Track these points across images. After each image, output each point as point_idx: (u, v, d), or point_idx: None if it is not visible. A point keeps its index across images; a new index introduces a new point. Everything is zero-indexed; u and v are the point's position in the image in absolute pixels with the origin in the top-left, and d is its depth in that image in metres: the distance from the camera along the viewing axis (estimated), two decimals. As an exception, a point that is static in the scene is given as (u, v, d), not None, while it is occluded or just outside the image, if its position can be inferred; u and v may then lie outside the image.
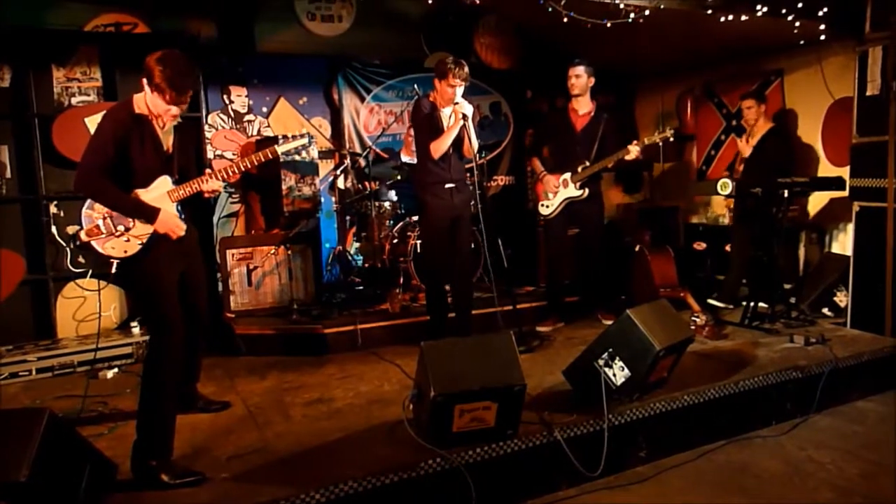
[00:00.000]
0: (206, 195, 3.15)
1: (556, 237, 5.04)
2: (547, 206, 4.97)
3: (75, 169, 2.80)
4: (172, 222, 2.91)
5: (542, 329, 4.95)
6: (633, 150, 4.61)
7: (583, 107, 4.89)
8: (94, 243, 2.88)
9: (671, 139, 4.65)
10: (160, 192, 2.96)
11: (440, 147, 4.18)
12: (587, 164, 4.77)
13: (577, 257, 5.10)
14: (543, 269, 5.80)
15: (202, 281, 3.31)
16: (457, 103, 4.09)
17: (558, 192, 4.89)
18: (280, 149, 3.31)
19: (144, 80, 2.78)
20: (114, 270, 2.93)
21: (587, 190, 4.82)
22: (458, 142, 4.27)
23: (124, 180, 2.87)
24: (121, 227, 2.88)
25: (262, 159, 3.23)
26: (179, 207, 3.02)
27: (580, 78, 4.79)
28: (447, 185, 4.25)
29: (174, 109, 2.84)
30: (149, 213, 2.87)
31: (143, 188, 2.92)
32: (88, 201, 2.91)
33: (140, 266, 2.90)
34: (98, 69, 4.79)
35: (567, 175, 4.85)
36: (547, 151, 5.25)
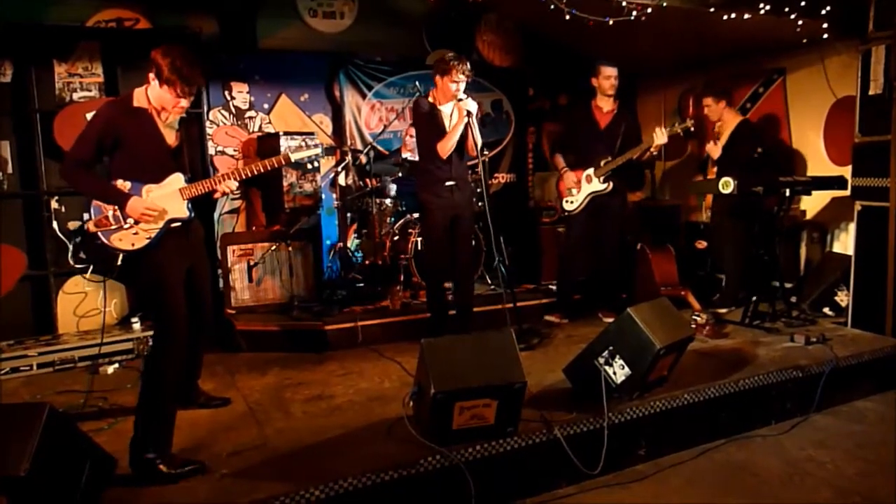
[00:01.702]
0: (218, 195, 3.15)
1: (577, 233, 5.04)
2: (572, 202, 4.98)
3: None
4: (140, 207, 2.86)
5: (550, 318, 5.03)
6: (660, 135, 4.57)
7: (607, 105, 4.92)
8: (101, 235, 2.88)
9: (692, 129, 4.71)
10: (172, 189, 2.96)
11: (447, 147, 4.18)
12: (609, 158, 4.80)
13: (594, 252, 5.07)
14: (545, 267, 5.80)
15: (206, 278, 3.31)
16: (460, 100, 4.08)
17: (582, 188, 4.91)
18: (293, 156, 3.31)
19: (152, 75, 2.79)
20: (119, 263, 2.93)
21: (611, 184, 4.84)
22: (461, 140, 4.26)
23: (132, 174, 2.89)
24: (130, 220, 2.88)
25: (276, 164, 3.24)
26: (190, 206, 3.02)
27: (614, 79, 4.83)
28: (447, 184, 4.25)
29: (183, 102, 2.86)
30: (120, 198, 2.86)
31: (154, 183, 2.94)
32: None
33: (146, 260, 2.91)
34: (100, 65, 4.78)
35: (590, 171, 4.87)
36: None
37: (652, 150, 4.71)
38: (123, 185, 2.88)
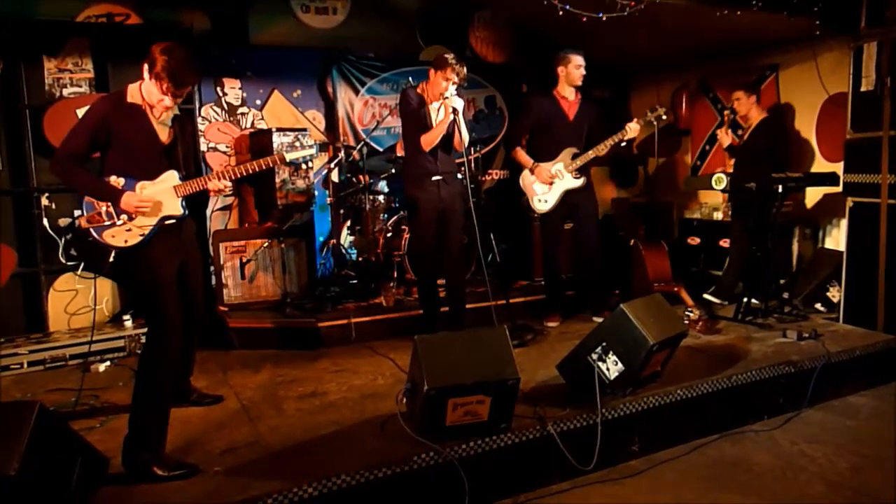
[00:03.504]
0: (213, 194, 3.14)
1: (554, 231, 4.87)
2: (546, 202, 4.75)
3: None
4: (134, 200, 2.85)
5: (551, 325, 4.88)
6: (633, 128, 4.49)
7: (571, 94, 4.76)
8: (93, 231, 2.86)
9: (664, 117, 4.60)
10: (166, 186, 2.94)
11: (430, 140, 4.16)
12: (577, 151, 4.66)
13: (577, 249, 4.98)
14: (538, 263, 5.78)
15: (199, 274, 3.29)
16: (446, 97, 4.06)
17: (554, 185, 4.72)
18: (288, 156, 3.30)
19: (145, 67, 2.77)
20: (111, 260, 2.91)
21: (585, 178, 4.71)
22: (448, 137, 4.25)
23: (125, 170, 2.86)
24: (124, 217, 2.86)
25: (271, 164, 3.23)
26: (184, 203, 3.00)
27: (583, 68, 4.66)
28: (434, 178, 4.23)
29: (167, 101, 2.83)
30: (113, 195, 2.84)
31: (148, 180, 2.91)
32: None
33: (139, 258, 2.89)
34: (90, 60, 4.75)
35: (559, 165, 4.69)
36: (525, 141, 4.99)
37: (623, 141, 4.55)
38: (117, 181, 2.86)
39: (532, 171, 4.78)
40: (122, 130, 2.84)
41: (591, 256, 4.90)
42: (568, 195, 4.73)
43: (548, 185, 4.74)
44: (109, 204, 2.85)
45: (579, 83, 4.71)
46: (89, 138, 2.81)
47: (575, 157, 4.67)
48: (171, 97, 2.81)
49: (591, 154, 4.62)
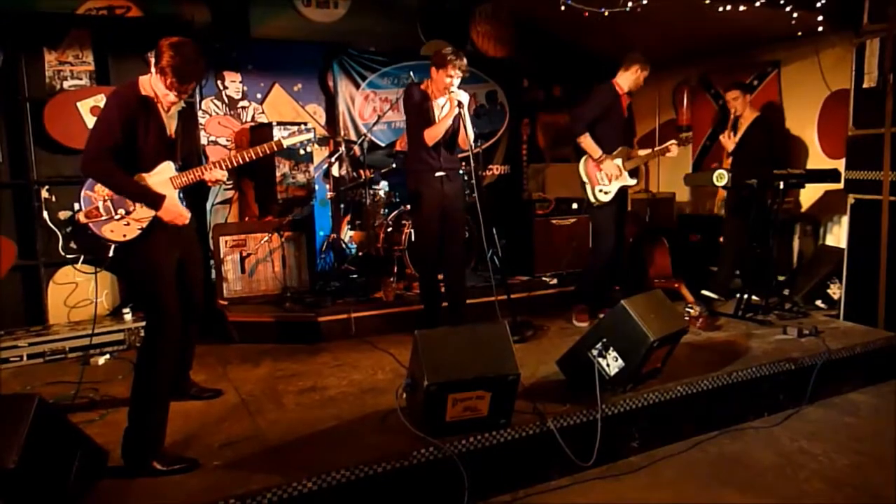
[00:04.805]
0: (210, 184, 3.13)
1: (608, 227, 4.73)
2: (606, 193, 4.67)
3: (69, 153, 2.73)
4: (176, 210, 2.88)
5: (581, 324, 4.76)
6: (676, 149, 4.65)
7: (624, 92, 4.72)
8: (91, 226, 2.84)
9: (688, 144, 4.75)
10: (163, 178, 2.92)
11: (434, 134, 4.14)
12: (630, 152, 4.69)
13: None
14: (539, 259, 5.76)
15: (199, 268, 3.28)
16: (452, 91, 4.06)
17: (614, 180, 4.67)
18: (286, 142, 3.28)
19: (152, 60, 2.75)
20: (111, 255, 2.90)
21: (636, 180, 4.74)
22: (453, 133, 4.24)
23: (129, 163, 2.83)
24: (121, 211, 2.84)
25: (268, 151, 3.21)
26: (181, 194, 2.99)
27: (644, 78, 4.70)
28: (437, 174, 4.22)
29: (171, 96, 2.81)
30: (155, 200, 2.83)
31: (146, 172, 2.89)
32: (88, 182, 2.87)
33: (138, 251, 2.87)
34: (90, 53, 4.74)
35: (619, 161, 4.64)
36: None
37: (661, 155, 4.75)
38: None
39: (599, 162, 4.67)
40: (139, 123, 2.80)
41: (621, 255, 4.92)
42: (619, 192, 4.72)
43: (608, 178, 4.69)
44: (107, 199, 2.83)
45: (636, 88, 4.70)
46: (122, 131, 2.75)
47: (629, 157, 4.67)
48: (175, 93, 2.80)
49: (644, 159, 4.74)
